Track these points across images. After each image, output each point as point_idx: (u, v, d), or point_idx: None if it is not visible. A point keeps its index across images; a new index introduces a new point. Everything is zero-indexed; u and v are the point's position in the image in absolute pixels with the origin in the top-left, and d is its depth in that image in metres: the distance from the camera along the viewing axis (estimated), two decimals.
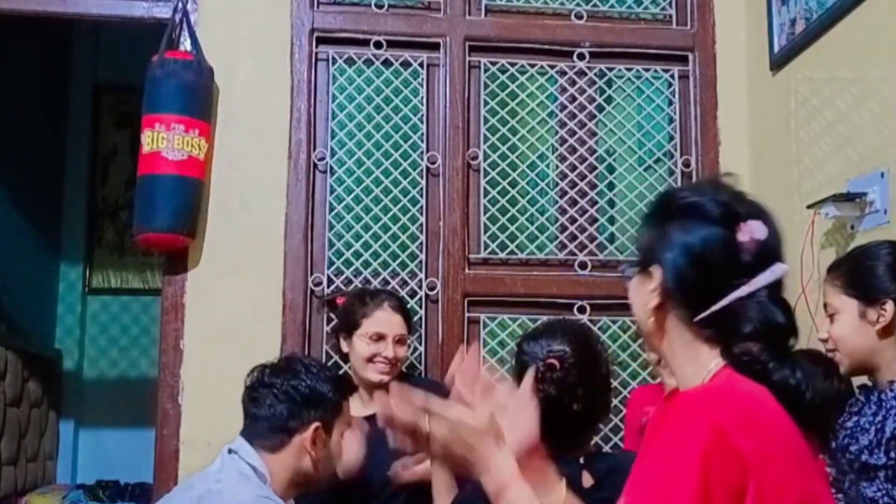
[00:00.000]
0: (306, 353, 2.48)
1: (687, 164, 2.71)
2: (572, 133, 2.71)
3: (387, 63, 2.66)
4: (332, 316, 2.40)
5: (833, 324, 1.60)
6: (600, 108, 2.75)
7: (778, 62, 2.53)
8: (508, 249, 2.62)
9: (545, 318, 2.35)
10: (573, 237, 2.66)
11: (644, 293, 1.04)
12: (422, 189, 2.62)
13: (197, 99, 2.45)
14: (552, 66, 2.74)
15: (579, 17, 2.74)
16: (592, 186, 2.71)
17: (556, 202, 2.71)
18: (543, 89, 2.77)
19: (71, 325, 4.35)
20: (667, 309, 1.02)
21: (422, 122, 2.66)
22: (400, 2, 2.70)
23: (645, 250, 1.06)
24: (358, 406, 2.13)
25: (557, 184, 2.72)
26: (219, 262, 2.50)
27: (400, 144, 2.64)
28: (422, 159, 2.63)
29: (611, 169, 2.76)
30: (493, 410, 1.04)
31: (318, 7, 2.66)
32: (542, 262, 2.65)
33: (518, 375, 1.48)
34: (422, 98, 2.66)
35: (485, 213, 2.62)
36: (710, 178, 1.06)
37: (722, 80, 2.74)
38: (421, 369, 2.53)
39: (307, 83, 2.60)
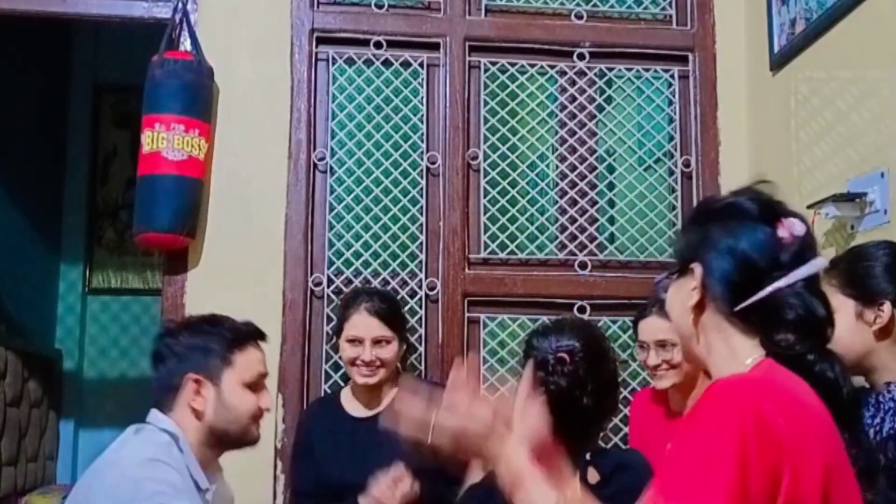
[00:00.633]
0: (306, 353, 2.49)
1: (687, 164, 2.71)
2: (572, 133, 2.71)
3: (387, 63, 2.67)
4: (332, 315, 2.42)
5: None
6: (600, 109, 2.75)
7: (778, 62, 2.53)
8: (508, 249, 2.62)
9: (545, 318, 2.35)
10: (573, 237, 2.66)
11: (683, 293, 1.07)
12: (422, 189, 2.62)
13: (197, 99, 2.45)
14: (552, 66, 2.74)
15: (579, 17, 2.74)
16: (592, 186, 2.71)
17: (556, 202, 2.71)
18: (543, 89, 2.77)
19: (71, 325, 4.35)
20: (705, 305, 1.05)
21: (422, 122, 2.66)
22: (400, 2, 2.70)
23: (683, 252, 1.10)
24: (358, 408, 2.13)
25: (557, 184, 2.72)
26: (219, 262, 2.51)
27: (400, 144, 2.64)
28: (422, 159, 2.63)
29: (611, 169, 2.77)
30: (493, 409, 1.05)
31: (318, 7, 2.66)
32: (542, 262, 2.65)
33: (524, 368, 1.49)
34: (422, 98, 2.66)
35: (485, 213, 2.62)
36: (746, 185, 1.11)
37: (722, 81, 2.74)
38: (421, 369, 2.53)
39: (307, 83, 2.60)
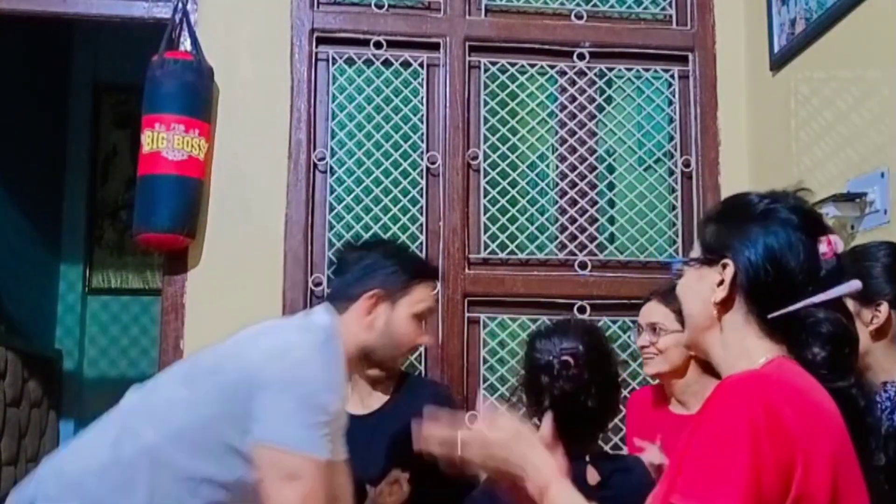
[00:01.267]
0: None
1: (687, 165, 2.71)
2: (572, 133, 2.71)
3: (387, 63, 2.66)
4: None
5: None
6: (600, 109, 2.75)
7: (778, 62, 2.53)
8: (508, 249, 2.62)
9: (545, 318, 2.36)
10: (573, 237, 2.66)
11: (705, 287, 1.07)
12: (422, 189, 2.62)
13: (197, 99, 2.45)
14: (552, 66, 2.74)
15: (579, 17, 2.74)
16: (592, 186, 2.71)
17: (556, 202, 2.71)
18: (543, 89, 2.77)
19: (71, 325, 4.35)
20: (730, 304, 1.05)
21: (422, 122, 2.66)
22: (400, 2, 2.70)
23: (712, 245, 1.08)
24: (356, 406, 2.13)
25: (557, 184, 2.72)
26: (219, 263, 2.50)
27: (400, 144, 2.64)
28: (422, 159, 2.63)
29: (611, 169, 2.76)
30: (516, 420, 1.10)
31: (318, 7, 2.66)
32: (542, 262, 2.64)
33: (527, 371, 1.50)
34: (422, 98, 2.66)
35: (485, 213, 2.62)
36: (788, 192, 1.11)
37: (722, 81, 2.74)
38: (421, 369, 2.53)
39: (307, 83, 2.60)
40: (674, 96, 2.76)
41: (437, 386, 2.32)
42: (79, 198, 4.40)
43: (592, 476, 1.40)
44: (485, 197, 2.63)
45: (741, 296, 1.04)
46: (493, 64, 2.69)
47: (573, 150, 2.71)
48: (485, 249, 2.61)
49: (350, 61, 2.66)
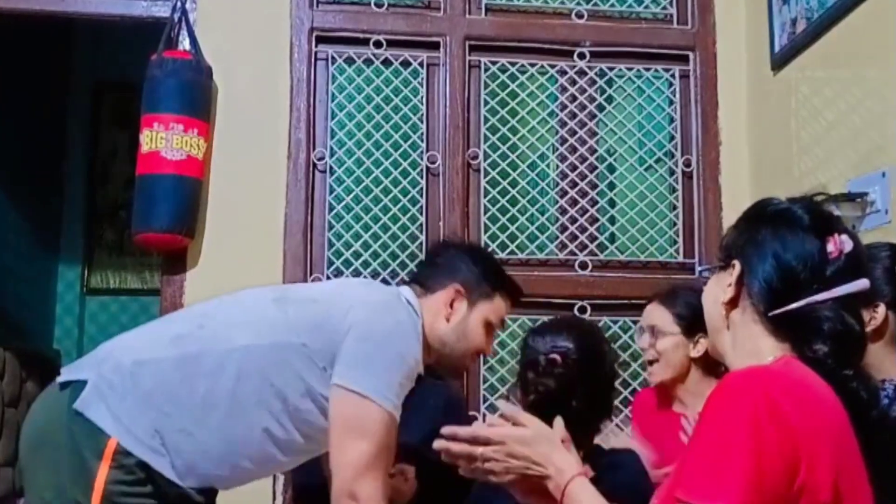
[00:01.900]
0: None
1: (688, 164, 2.71)
2: (573, 133, 2.71)
3: (386, 62, 2.66)
4: None
5: None
6: (601, 108, 2.74)
7: (779, 62, 2.52)
8: (508, 249, 2.61)
9: (545, 318, 2.35)
10: (573, 237, 2.66)
11: (720, 287, 1.10)
12: (422, 189, 2.61)
13: (196, 98, 2.44)
14: (552, 66, 2.73)
15: (580, 16, 2.73)
16: (593, 186, 2.70)
17: (557, 202, 2.71)
18: (544, 89, 2.76)
19: (69, 325, 4.34)
20: (738, 302, 1.07)
21: (422, 122, 2.65)
22: (400, 1, 2.69)
23: (728, 248, 1.12)
24: None
25: (558, 183, 2.71)
26: (218, 263, 2.50)
27: (400, 144, 2.63)
28: (422, 159, 2.62)
29: (611, 169, 2.76)
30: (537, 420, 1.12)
31: (317, 6, 2.65)
32: (542, 262, 2.64)
33: (523, 368, 1.49)
34: (422, 97, 2.66)
35: (485, 213, 2.62)
36: (807, 196, 1.13)
37: (723, 80, 2.73)
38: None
39: (306, 83, 2.59)
40: (674, 96, 2.75)
41: (449, 390, 2.31)
42: (77, 197, 4.39)
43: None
44: (485, 197, 2.63)
45: (748, 295, 1.06)
46: (494, 63, 2.69)
47: (573, 150, 2.70)
48: None
49: (350, 60, 2.65)
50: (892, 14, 2.03)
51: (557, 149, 2.72)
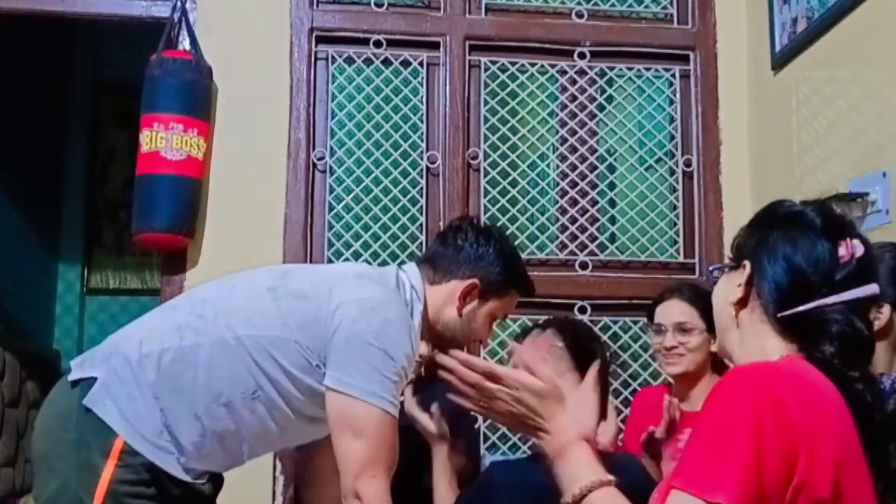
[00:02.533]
0: None
1: (688, 164, 2.71)
2: (573, 132, 2.71)
3: (386, 62, 2.66)
4: None
5: None
6: (601, 108, 2.74)
7: (779, 61, 2.52)
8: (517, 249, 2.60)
9: (545, 318, 2.34)
10: (574, 237, 2.66)
11: (730, 287, 1.10)
12: (422, 189, 2.61)
13: (196, 98, 2.44)
14: (553, 65, 2.73)
15: (580, 15, 2.73)
16: (593, 186, 2.70)
17: (557, 202, 2.71)
18: (544, 88, 2.76)
19: (69, 325, 4.34)
20: (748, 303, 1.08)
21: (422, 122, 2.65)
22: (400, 1, 2.69)
23: (739, 249, 1.12)
24: None
25: (558, 183, 2.71)
26: (217, 263, 2.49)
27: (400, 144, 2.63)
28: (422, 159, 2.62)
29: (611, 168, 2.76)
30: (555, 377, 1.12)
31: (317, 6, 2.65)
32: (542, 262, 2.63)
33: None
34: (422, 97, 2.66)
35: (485, 213, 2.61)
36: (819, 197, 1.13)
37: (723, 80, 2.73)
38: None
39: (306, 82, 2.59)
40: (675, 95, 2.75)
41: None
42: (77, 197, 4.38)
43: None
44: (485, 197, 2.63)
45: (757, 296, 1.07)
46: (494, 63, 2.69)
47: (574, 150, 2.70)
48: None
49: (349, 60, 2.65)
50: (892, 14, 2.03)
51: (557, 148, 2.72)
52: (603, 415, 1.53)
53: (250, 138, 2.56)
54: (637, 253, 2.67)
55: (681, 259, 2.67)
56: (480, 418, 2.37)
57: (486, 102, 2.67)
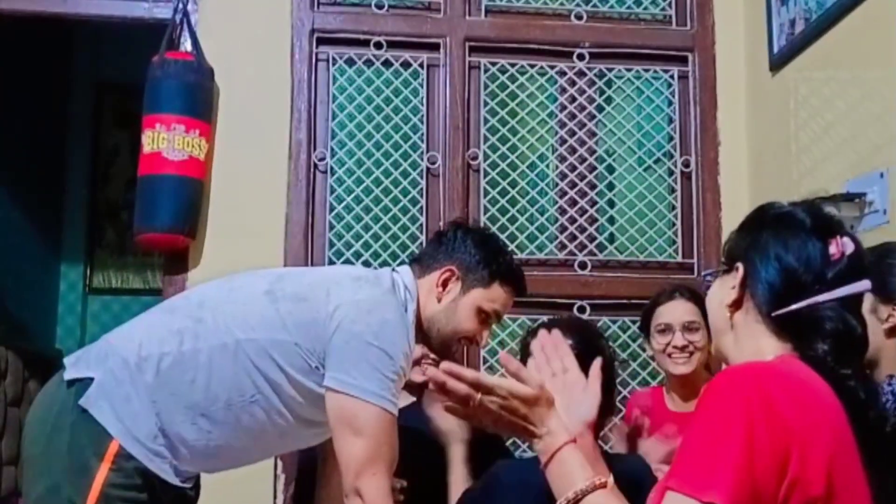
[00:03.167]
0: None
1: (687, 165, 2.72)
2: (572, 133, 2.72)
3: (387, 63, 2.67)
4: None
5: None
6: (600, 109, 2.75)
7: (777, 62, 2.53)
8: (508, 249, 2.61)
9: (545, 318, 2.35)
10: (573, 237, 2.67)
11: (724, 290, 1.11)
12: (422, 189, 2.62)
13: (197, 99, 2.46)
14: (552, 67, 2.74)
15: (579, 17, 2.74)
16: (592, 187, 2.71)
17: (556, 202, 2.72)
18: (543, 90, 2.77)
19: (71, 325, 4.35)
20: (741, 305, 1.09)
21: (422, 123, 2.66)
22: (400, 2, 2.70)
23: (731, 252, 1.13)
24: None
25: (557, 184, 2.72)
26: (219, 263, 2.50)
27: (400, 145, 2.64)
28: (422, 159, 2.63)
29: (610, 169, 2.77)
30: (544, 381, 1.14)
31: (318, 8, 2.66)
32: (542, 262, 2.65)
33: None
34: (422, 98, 2.67)
35: (485, 213, 2.63)
36: (808, 197, 1.15)
37: (721, 81, 2.74)
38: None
39: (307, 83, 2.60)
40: (673, 96, 2.76)
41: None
42: (79, 198, 4.40)
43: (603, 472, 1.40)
44: (485, 197, 2.64)
45: (751, 297, 1.08)
46: (493, 64, 2.70)
47: (573, 151, 2.71)
48: None
49: (350, 62, 2.66)
50: (891, 15, 2.04)
51: (557, 149, 2.73)
52: (611, 410, 1.54)
53: (252, 139, 2.57)
54: (636, 253, 2.68)
55: (679, 259, 2.69)
56: None
57: (485, 103, 2.68)
